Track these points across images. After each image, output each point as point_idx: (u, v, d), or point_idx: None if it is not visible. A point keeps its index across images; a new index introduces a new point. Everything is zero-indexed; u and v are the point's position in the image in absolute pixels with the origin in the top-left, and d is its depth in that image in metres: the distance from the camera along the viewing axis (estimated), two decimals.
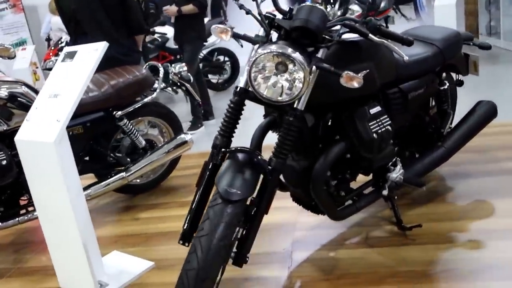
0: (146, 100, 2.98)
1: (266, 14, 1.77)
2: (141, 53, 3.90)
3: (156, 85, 3.05)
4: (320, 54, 1.73)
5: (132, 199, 3.26)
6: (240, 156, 1.71)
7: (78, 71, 2.10)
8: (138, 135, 3.03)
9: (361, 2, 5.55)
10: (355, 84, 1.66)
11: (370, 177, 2.26)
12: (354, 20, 1.80)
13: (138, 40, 3.74)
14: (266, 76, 1.68)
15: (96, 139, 2.92)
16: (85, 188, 2.87)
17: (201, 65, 5.74)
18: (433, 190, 2.70)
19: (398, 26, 6.66)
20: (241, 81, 1.78)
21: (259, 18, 1.75)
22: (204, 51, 6.19)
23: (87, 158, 2.98)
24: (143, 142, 3.07)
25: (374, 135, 1.93)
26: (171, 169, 3.37)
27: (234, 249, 1.73)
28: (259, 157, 1.76)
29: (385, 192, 2.20)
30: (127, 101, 2.91)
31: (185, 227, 1.78)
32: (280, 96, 1.69)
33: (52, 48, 6.47)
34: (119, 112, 2.86)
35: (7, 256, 2.72)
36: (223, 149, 1.78)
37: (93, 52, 2.13)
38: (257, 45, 1.73)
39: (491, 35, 7.40)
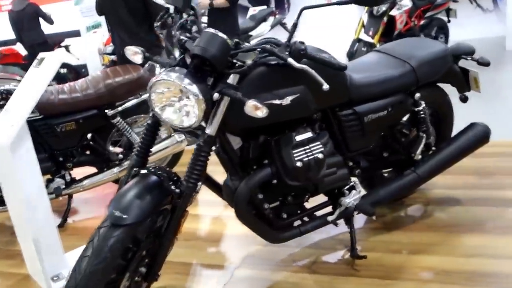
0: (139, 99, 3.07)
1: (181, 37, 1.74)
2: (163, 48, 4.00)
3: None
4: (231, 79, 1.68)
5: None
6: (145, 178, 1.71)
7: (39, 78, 2.23)
8: (132, 132, 3.14)
9: None
10: (259, 114, 1.59)
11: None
12: (276, 43, 1.72)
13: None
14: (171, 101, 1.67)
15: (91, 134, 3.07)
16: (80, 180, 3.07)
17: None
18: (410, 215, 2.52)
19: (461, 21, 6.08)
20: None
21: (169, 42, 1.73)
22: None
23: (88, 152, 3.16)
24: (137, 139, 3.17)
25: (298, 163, 1.83)
26: (172, 165, 3.46)
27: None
28: (173, 178, 1.76)
29: (330, 218, 2.11)
30: (120, 100, 3.03)
31: None
32: (180, 121, 1.67)
33: None
34: (111, 111, 2.99)
35: (3, 237, 2.99)
36: (135, 169, 1.81)
37: (55, 61, 2.25)
38: (162, 69, 1.71)
39: None
